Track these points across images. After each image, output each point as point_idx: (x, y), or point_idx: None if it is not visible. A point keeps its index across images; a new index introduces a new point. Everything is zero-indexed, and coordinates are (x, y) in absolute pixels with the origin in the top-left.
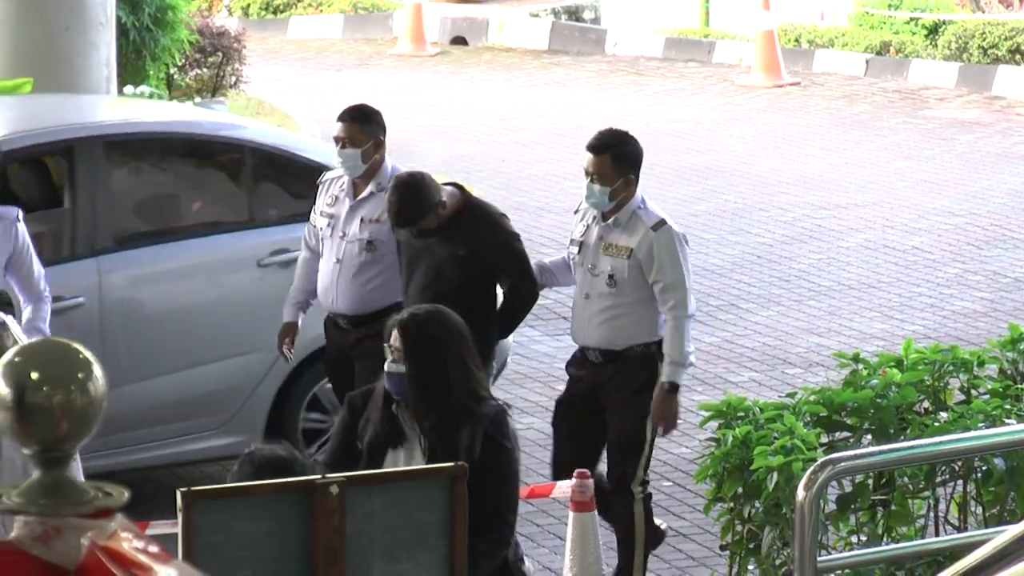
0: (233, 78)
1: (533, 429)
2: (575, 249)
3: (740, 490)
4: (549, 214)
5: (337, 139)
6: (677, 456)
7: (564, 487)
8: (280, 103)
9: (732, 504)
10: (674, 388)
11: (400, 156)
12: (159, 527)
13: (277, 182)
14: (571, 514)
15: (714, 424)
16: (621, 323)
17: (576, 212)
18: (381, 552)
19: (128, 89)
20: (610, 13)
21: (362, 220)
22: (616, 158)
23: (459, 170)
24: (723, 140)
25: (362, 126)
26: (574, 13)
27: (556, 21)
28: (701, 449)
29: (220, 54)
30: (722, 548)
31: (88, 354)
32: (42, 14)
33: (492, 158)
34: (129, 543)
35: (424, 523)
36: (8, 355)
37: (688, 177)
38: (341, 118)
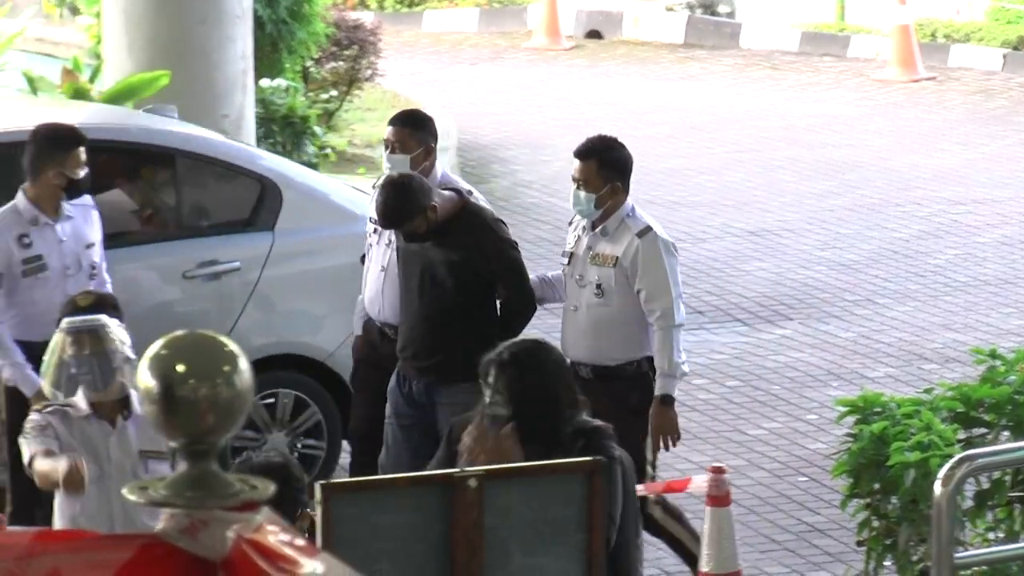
0: (368, 71)
1: None
2: (565, 260)
3: (877, 486)
4: (683, 208)
5: (387, 143)
6: (813, 451)
7: (700, 482)
8: (415, 96)
9: (868, 500)
10: (668, 401)
11: (534, 149)
12: None
13: (208, 191)
14: (707, 508)
15: (850, 419)
16: (610, 336)
17: (570, 223)
18: (519, 545)
19: (264, 82)
20: (745, 7)
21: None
22: (602, 164)
23: None
24: (859, 135)
25: (413, 131)
26: (709, 7)
27: (691, 15)
28: (837, 444)
29: (356, 47)
30: (858, 544)
31: (234, 347)
32: (178, 7)
33: None
34: (275, 536)
35: (561, 517)
36: (154, 347)
37: (824, 172)
38: (392, 122)
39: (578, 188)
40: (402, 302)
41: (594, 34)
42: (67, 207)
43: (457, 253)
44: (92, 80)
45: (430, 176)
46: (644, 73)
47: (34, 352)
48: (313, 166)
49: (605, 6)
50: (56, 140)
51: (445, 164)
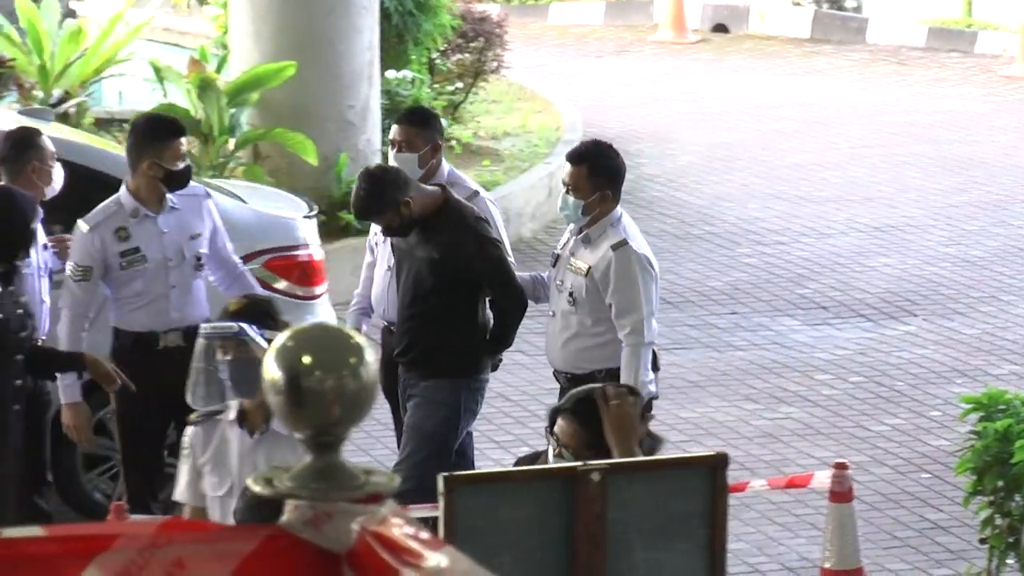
0: (494, 63)
1: (791, 419)
2: (552, 261)
3: (1000, 484)
4: (809, 203)
5: (393, 142)
6: (936, 448)
7: (822, 478)
8: (540, 89)
9: (992, 498)
10: None
11: (659, 143)
12: (418, 511)
13: (64, 196)
14: (829, 504)
15: (974, 417)
16: (581, 344)
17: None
18: (640, 540)
19: (390, 73)
20: (872, 2)
21: None
22: (593, 170)
23: (719, 158)
24: (984, 131)
25: (419, 130)
26: (835, 2)
27: (818, 9)
28: (961, 442)
29: (482, 39)
30: (981, 542)
31: (360, 339)
32: None
33: (752, 146)
34: (399, 529)
35: (685, 512)
36: (280, 339)
37: (950, 168)
38: (398, 121)
39: (567, 192)
40: (397, 300)
41: (720, 28)
42: (172, 198)
43: (437, 251)
44: (218, 70)
45: (436, 174)
46: (770, 68)
47: (140, 342)
48: None
49: (731, 0)
50: (153, 131)
51: None
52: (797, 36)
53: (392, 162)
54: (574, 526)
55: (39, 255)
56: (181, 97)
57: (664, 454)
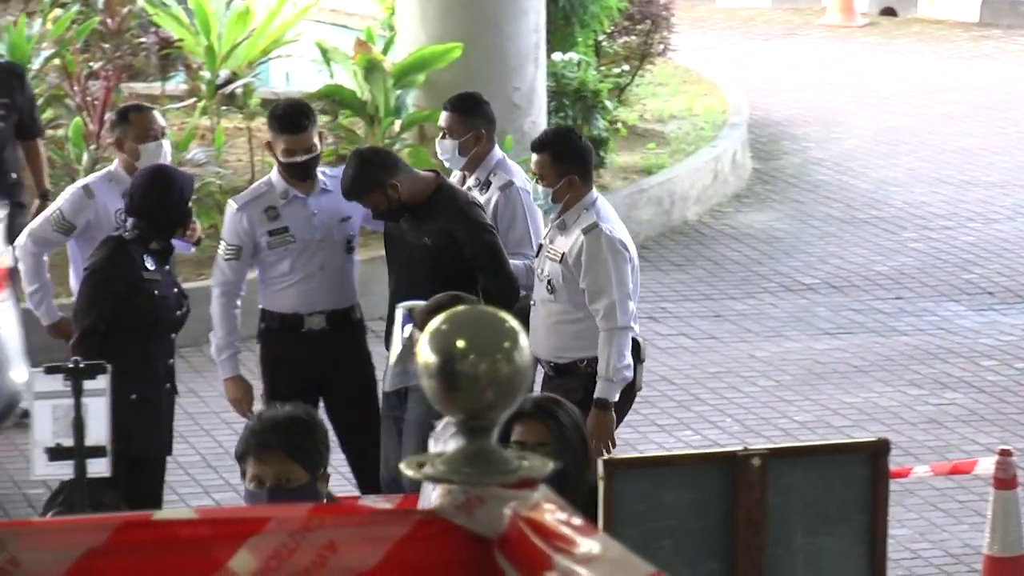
0: (661, 46)
1: (955, 404)
2: (536, 250)
3: None
4: (975, 188)
5: (439, 128)
6: None
7: (987, 464)
8: (707, 72)
9: None
10: (604, 405)
11: (826, 127)
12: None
13: None
14: (993, 491)
15: None
16: (561, 332)
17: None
18: (801, 525)
19: (556, 56)
20: None
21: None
22: (557, 156)
23: (885, 142)
24: None
25: (462, 116)
26: None
27: None
28: None
29: (649, 22)
30: None
31: (514, 323)
32: None
33: (919, 130)
34: (552, 514)
35: (845, 498)
36: (435, 323)
37: None
38: (444, 107)
39: (537, 182)
40: (389, 289)
41: (888, 11)
42: (324, 180)
43: (431, 237)
44: (385, 51)
45: (484, 162)
46: (938, 51)
47: (285, 323)
48: (604, 141)
49: None
50: (270, 122)
51: (736, 141)
52: (966, 20)
53: (438, 148)
54: (734, 511)
55: None
56: (347, 78)
57: (822, 440)
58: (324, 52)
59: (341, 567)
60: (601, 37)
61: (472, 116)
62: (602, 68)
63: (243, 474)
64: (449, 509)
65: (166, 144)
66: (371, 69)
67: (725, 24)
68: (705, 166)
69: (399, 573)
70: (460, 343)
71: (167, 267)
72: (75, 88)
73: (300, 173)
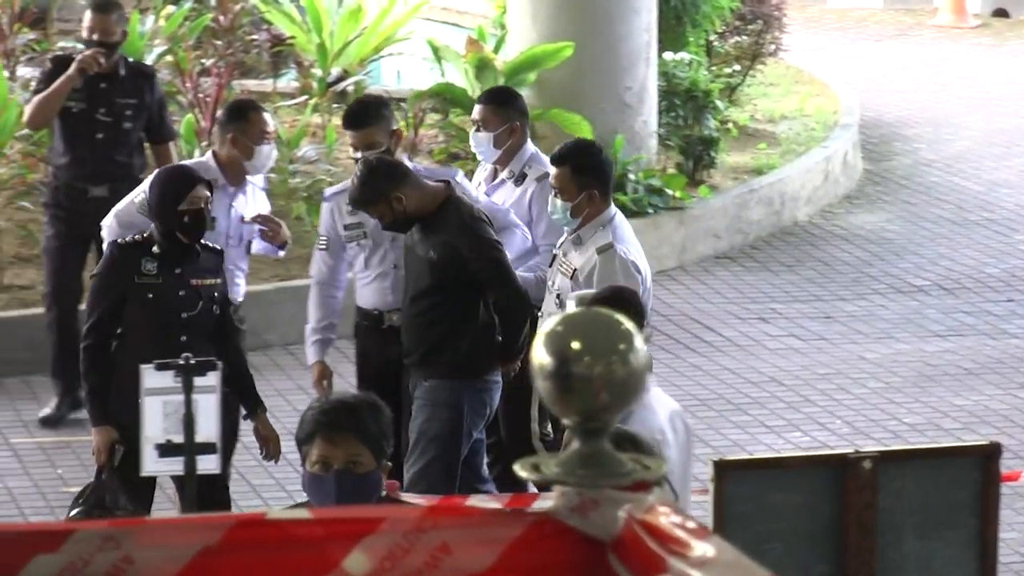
0: (772, 46)
1: None
2: (549, 261)
3: None
4: None
5: (473, 121)
6: None
7: None
8: (818, 73)
9: None
10: None
11: (937, 128)
12: None
13: None
14: None
15: None
16: None
17: None
18: (912, 529)
19: (668, 55)
20: None
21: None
22: (576, 170)
23: (997, 143)
24: None
25: (496, 108)
26: None
27: None
28: None
29: (760, 22)
30: None
31: (629, 325)
32: None
33: None
34: (666, 517)
35: (955, 501)
36: (550, 324)
37: None
38: (479, 100)
39: (555, 196)
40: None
41: (1001, 13)
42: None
43: (436, 251)
44: (496, 50)
45: (517, 156)
46: None
47: (369, 318)
48: (715, 140)
49: None
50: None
51: (847, 142)
52: None
53: (472, 141)
54: (844, 514)
55: (231, 225)
56: (458, 76)
57: (932, 443)
58: (435, 50)
59: (454, 568)
60: (713, 37)
61: (506, 108)
62: (713, 68)
63: (303, 458)
64: (563, 511)
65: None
66: (482, 67)
67: (837, 24)
68: (816, 167)
69: (512, 575)
70: (575, 345)
71: (177, 270)
72: (187, 85)
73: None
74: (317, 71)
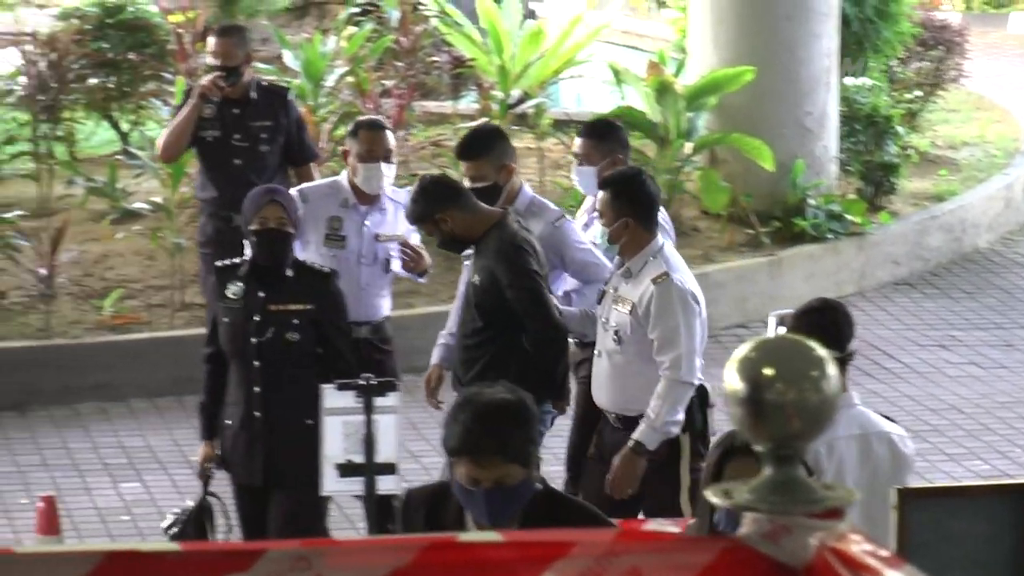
0: (953, 72)
1: None
2: (598, 298)
3: None
4: None
5: (575, 155)
6: None
7: None
8: (1000, 99)
9: None
10: (639, 449)
11: None
12: None
13: None
14: None
15: None
16: (628, 385)
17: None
18: None
19: (848, 80)
20: None
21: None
22: (616, 195)
23: None
24: None
25: (597, 143)
26: None
27: None
28: None
29: (941, 48)
30: None
31: (822, 352)
32: (766, 2)
33: None
34: (858, 545)
35: None
36: (742, 350)
37: None
38: (579, 133)
39: (599, 218)
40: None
41: None
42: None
43: (479, 275)
44: (676, 74)
45: None
46: None
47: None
48: (895, 166)
49: None
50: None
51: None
52: None
53: (574, 174)
54: None
55: (363, 243)
56: (639, 100)
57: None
58: (616, 73)
59: None
60: (894, 63)
61: (608, 141)
62: (894, 94)
63: (450, 465)
64: (755, 537)
65: (388, 168)
66: (663, 91)
67: (1018, 50)
68: (997, 193)
69: None
70: (768, 371)
71: (261, 293)
72: (368, 105)
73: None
74: (497, 93)
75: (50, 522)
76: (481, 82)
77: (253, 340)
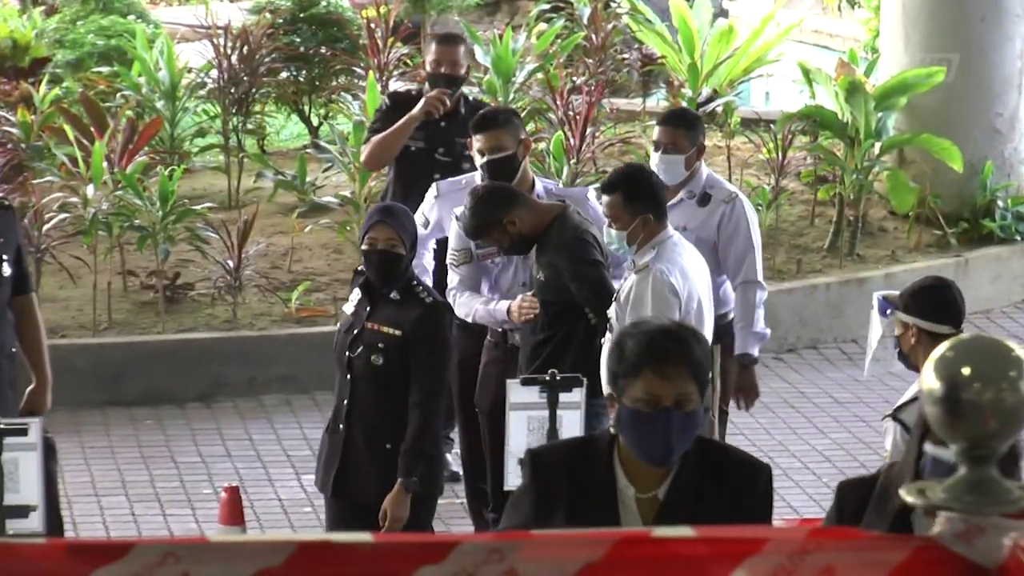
0: None
1: None
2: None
3: None
4: None
5: (657, 144)
6: None
7: None
8: None
9: None
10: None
11: None
12: None
13: None
14: None
15: None
16: None
17: None
18: None
19: None
20: None
21: None
22: (628, 196)
23: None
24: None
25: (686, 131)
26: None
27: None
28: None
29: None
30: None
31: (1020, 352)
32: (960, 3)
33: None
34: None
35: None
36: (940, 349)
37: None
38: (662, 123)
39: (608, 226)
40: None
41: None
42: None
43: (543, 271)
44: (867, 74)
45: (695, 177)
46: None
47: (492, 336)
48: None
49: None
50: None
51: None
52: None
53: (656, 163)
54: None
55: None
56: (828, 99)
57: None
58: (806, 72)
59: None
60: None
61: (694, 131)
62: None
63: (618, 392)
64: (948, 537)
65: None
66: (853, 91)
67: None
68: None
69: None
70: (965, 370)
71: (368, 307)
72: (557, 103)
73: (492, 173)
74: (687, 91)
75: (233, 512)
76: (671, 80)
77: (347, 354)
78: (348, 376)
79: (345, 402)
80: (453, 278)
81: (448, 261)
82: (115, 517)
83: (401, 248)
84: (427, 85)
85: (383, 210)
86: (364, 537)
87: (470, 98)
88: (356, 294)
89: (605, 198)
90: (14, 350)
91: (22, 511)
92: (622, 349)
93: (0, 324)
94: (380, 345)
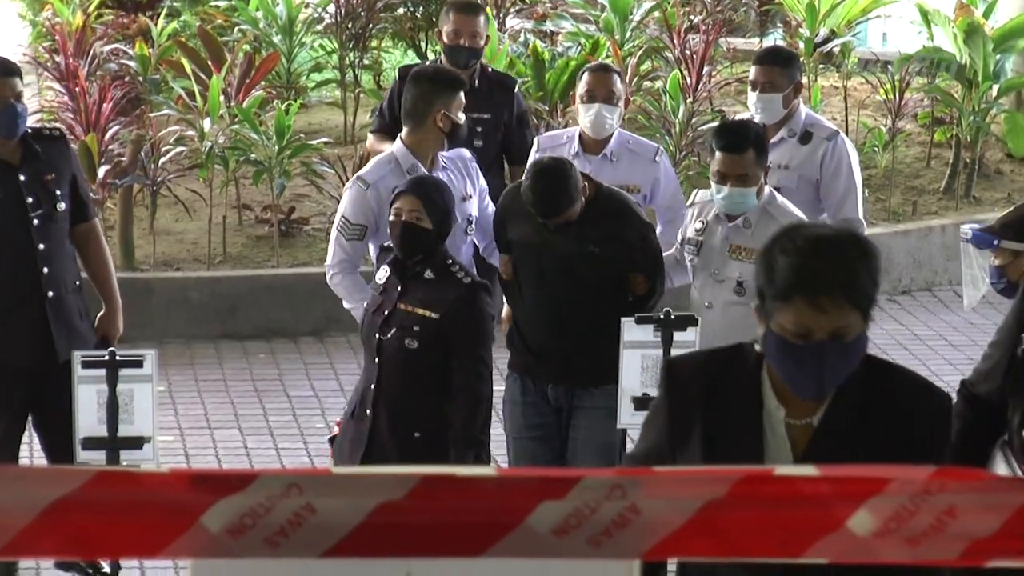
0: None
1: None
2: (692, 249)
3: None
4: None
5: (754, 83)
6: None
7: None
8: None
9: None
10: None
11: None
12: None
13: None
14: None
15: None
16: (747, 336)
17: (690, 207)
18: None
19: None
20: None
21: (770, 166)
22: (760, 153)
23: None
24: None
25: (783, 69)
26: None
27: None
28: None
29: None
30: None
31: None
32: None
33: None
34: None
35: None
36: None
37: None
38: (758, 61)
39: (732, 185)
40: (519, 303)
41: None
42: (442, 158)
43: (597, 244)
44: (986, 16)
45: (795, 115)
46: None
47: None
48: None
49: None
50: (441, 82)
51: None
52: None
53: (753, 103)
54: None
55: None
56: (947, 41)
57: None
58: (924, 14)
59: (958, 533)
60: None
61: (791, 68)
62: None
63: (758, 310)
64: None
65: (610, 110)
66: (972, 32)
67: None
68: None
69: (1015, 542)
70: None
71: (399, 287)
72: (674, 41)
73: (463, 136)
74: (804, 31)
75: None
76: (788, 20)
77: (377, 336)
78: (376, 360)
79: (372, 387)
80: (338, 252)
81: (338, 227)
82: (228, 450)
83: (427, 222)
84: (444, 57)
85: (413, 181)
86: (488, 471)
87: (490, 70)
88: (384, 271)
89: (737, 157)
90: (78, 283)
91: (136, 442)
92: (771, 264)
93: (61, 259)
94: (415, 328)
